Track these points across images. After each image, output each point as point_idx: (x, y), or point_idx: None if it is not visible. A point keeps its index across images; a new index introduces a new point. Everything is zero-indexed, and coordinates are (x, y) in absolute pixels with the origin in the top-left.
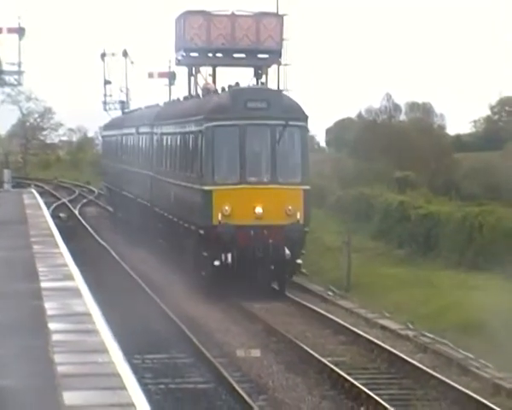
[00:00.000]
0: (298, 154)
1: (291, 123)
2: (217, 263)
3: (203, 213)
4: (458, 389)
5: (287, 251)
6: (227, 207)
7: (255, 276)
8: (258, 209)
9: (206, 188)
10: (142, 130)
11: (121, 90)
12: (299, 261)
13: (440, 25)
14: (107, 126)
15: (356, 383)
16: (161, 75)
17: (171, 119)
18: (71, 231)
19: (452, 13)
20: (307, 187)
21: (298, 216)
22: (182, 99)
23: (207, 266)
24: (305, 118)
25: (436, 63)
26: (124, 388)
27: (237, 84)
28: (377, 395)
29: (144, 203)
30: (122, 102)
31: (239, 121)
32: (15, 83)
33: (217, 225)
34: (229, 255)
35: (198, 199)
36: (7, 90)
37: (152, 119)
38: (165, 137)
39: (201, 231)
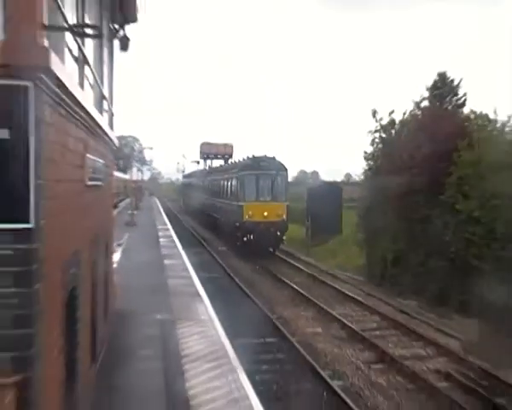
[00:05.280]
0: (283, 187)
1: (279, 172)
2: (245, 239)
3: (240, 215)
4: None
5: (278, 233)
6: (250, 212)
7: (263, 245)
8: (265, 213)
9: (240, 203)
10: (209, 179)
11: None
12: (283, 237)
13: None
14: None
15: (307, 294)
16: None
17: (223, 171)
18: None
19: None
20: (287, 203)
21: (283, 216)
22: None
23: (240, 240)
24: (286, 169)
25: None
26: None
27: (253, 155)
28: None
29: (205, 209)
30: None
31: (255, 171)
32: None
33: (245, 221)
34: (251, 235)
35: (236, 209)
36: None
37: (204, 173)
38: (222, 181)
39: (238, 224)
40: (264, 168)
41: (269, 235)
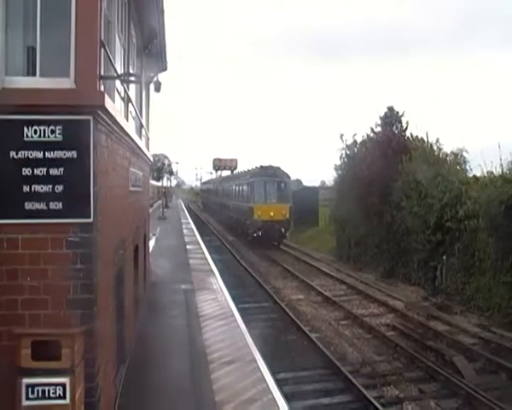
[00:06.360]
0: (286, 192)
1: (284, 179)
2: (255, 235)
3: (250, 215)
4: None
5: (282, 230)
6: (259, 212)
7: (269, 240)
8: (271, 213)
9: (251, 205)
10: (223, 184)
11: None
12: (286, 234)
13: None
14: (206, 182)
15: (292, 270)
16: None
17: (235, 178)
18: None
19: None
20: (291, 205)
21: (287, 216)
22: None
23: (250, 235)
24: (289, 177)
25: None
26: None
27: (261, 165)
28: (295, 269)
29: (219, 208)
30: None
31: (263, 178)
32: None
33: (256, 219)
34: (260, 232)
35: (247, 209)
36: None
37: (220, 180)
38: (235, 186)
39: (248, 222)
40: (270, 175)
41: (274, 231)
